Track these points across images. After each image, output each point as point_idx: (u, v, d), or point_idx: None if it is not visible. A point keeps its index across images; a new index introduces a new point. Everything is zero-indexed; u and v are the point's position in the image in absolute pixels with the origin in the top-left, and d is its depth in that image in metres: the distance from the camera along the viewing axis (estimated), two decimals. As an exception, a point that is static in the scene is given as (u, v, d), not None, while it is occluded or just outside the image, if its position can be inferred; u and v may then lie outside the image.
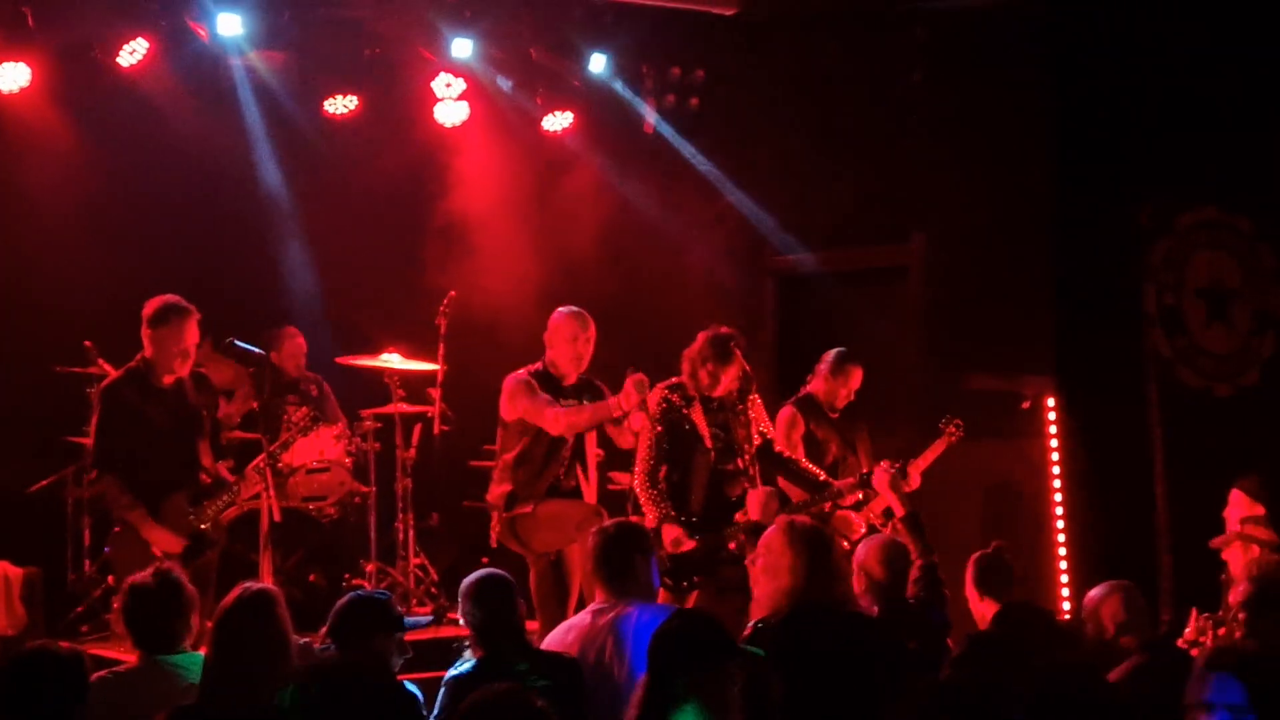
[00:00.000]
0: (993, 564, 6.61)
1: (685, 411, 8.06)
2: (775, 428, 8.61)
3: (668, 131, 10.80)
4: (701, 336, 8.11)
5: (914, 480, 8.35)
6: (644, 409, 7.88)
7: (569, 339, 8.31)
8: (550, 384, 8.32)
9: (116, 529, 7.96)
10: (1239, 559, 8.32)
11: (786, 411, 8.90)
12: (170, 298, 8.01)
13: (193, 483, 8.04)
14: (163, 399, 8.02)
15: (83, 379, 9.14)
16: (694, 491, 8.01)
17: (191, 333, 7.99)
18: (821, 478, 8.28)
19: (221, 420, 8.81)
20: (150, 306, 8.00)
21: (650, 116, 10.69)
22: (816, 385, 8.95)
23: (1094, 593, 6.24)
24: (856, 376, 8.92)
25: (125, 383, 8.02)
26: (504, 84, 10.46)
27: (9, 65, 9.21)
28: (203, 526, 7.92)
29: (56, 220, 10.00)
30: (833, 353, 8.97)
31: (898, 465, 7.84)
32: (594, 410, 8.13)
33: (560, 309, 8.46)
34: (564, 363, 8.33)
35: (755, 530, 7.44)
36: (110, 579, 8.30)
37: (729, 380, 8.05)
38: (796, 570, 5.56)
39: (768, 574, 5.64)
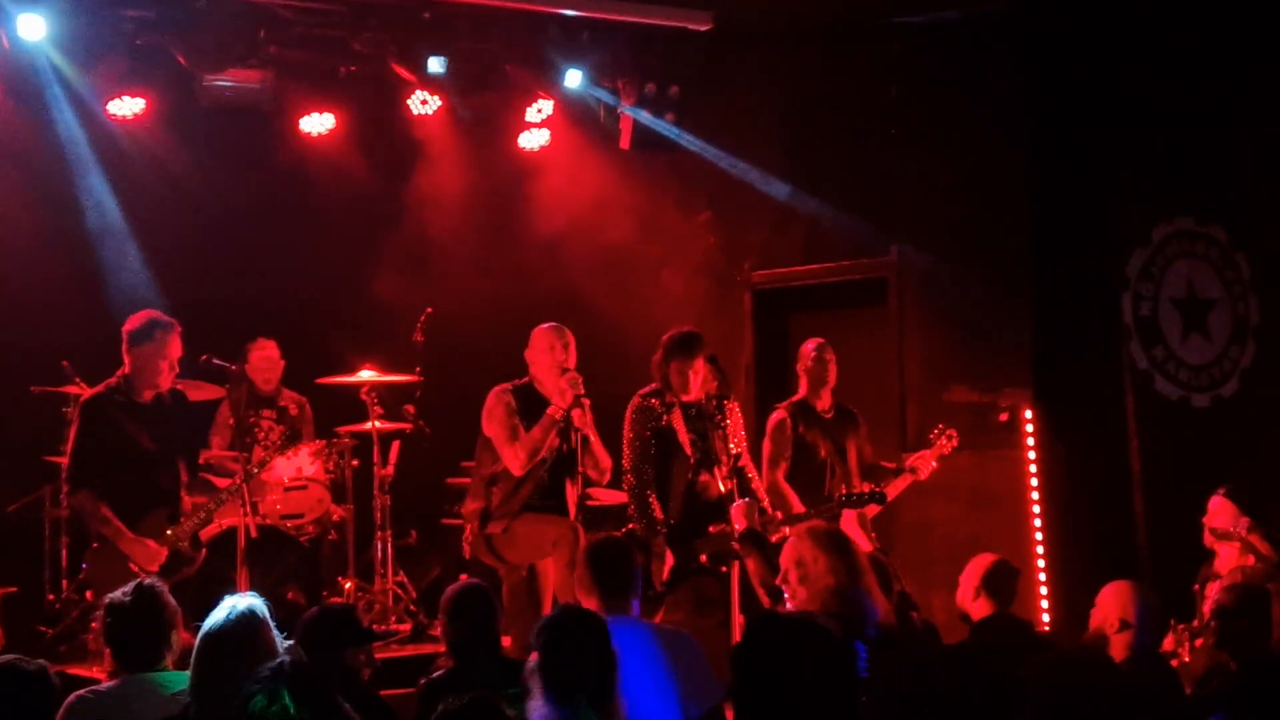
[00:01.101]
0: (1003, 570, 6.73)
1: (666, 418, 8.07)
2: (766, 431, 8.63)
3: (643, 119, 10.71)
4: (663, 339, 8.16)
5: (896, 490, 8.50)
6: (579, 406, 7.91)
7: (545, 349, 8.33)
8: (534, 400, 8.32)
9: (95, 545, 7.93)
10: (1232, 561, 8.29)
11: (777, 415, 8.91)
12: (152, 313, 8.07)
13: (171, 500, 8.02)
14: (143, 415, 8.02)
15: (59, 398, 9.11)
16: (670, 500, 8.01)
17: (175, 346, 8.02)
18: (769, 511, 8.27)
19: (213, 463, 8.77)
20: (133, 322, 8.02)
21: (625, 132, 10.68)
22: (803, 386, 8.98)
23: (1108, 588, 6.28)
24: (832, 362, 8.96)
25: (107, 397, 8.02)
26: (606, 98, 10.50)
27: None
28: (181, 544, 7.89)
29: (29, 240, 9.98)
30: (813, 343, 8.99)
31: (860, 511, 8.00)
32: (540, 426, 8.17)
33: (540, 325, 8.48)
34: (546, 377, 8.33)
35: (721, 540, 7.49)
36: (89, 595, 8.23)
37: (699, 380, 8.07)
38: (837, 570, 5.66)
39: (807, 582, 5.68)
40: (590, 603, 5.85)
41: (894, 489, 8.69)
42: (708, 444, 8.03)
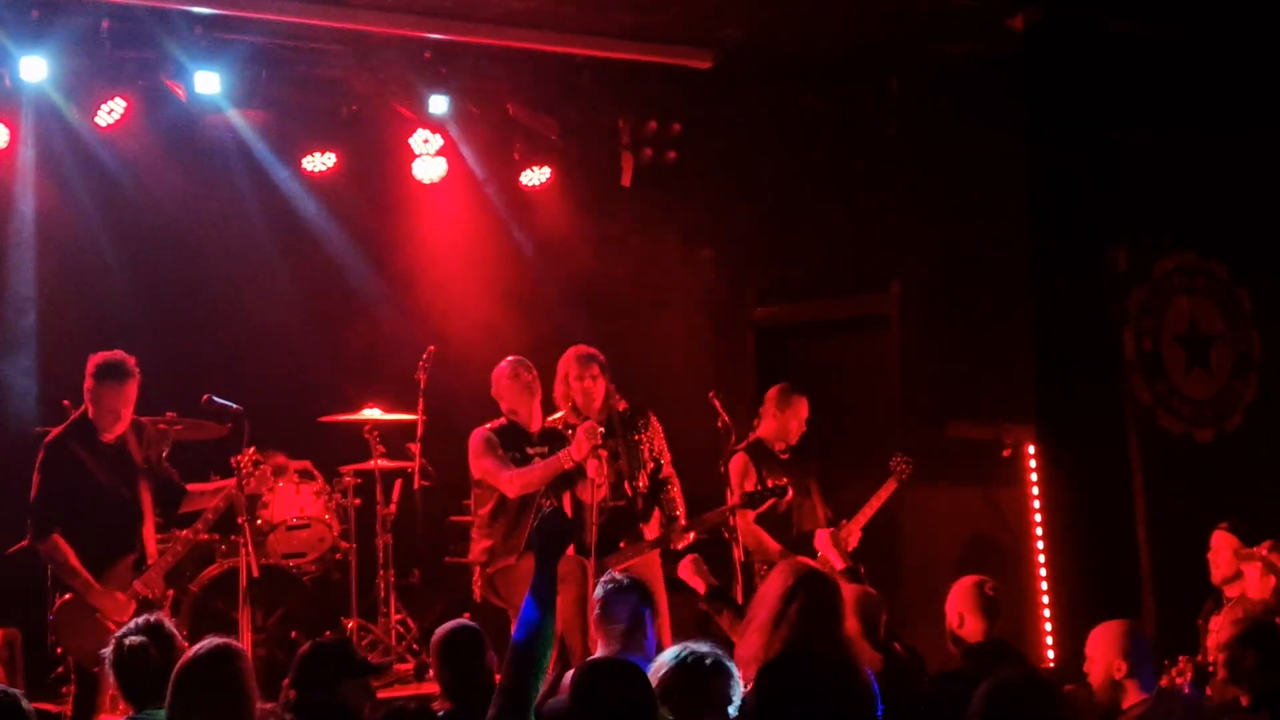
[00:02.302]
0: (992, 598, 6.74)
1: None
2: (730, 476, 8.64)
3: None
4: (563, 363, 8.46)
5: (853, 538, 8.53)
6: (597, 456, 7.91)
7: (510, 377, 8.39)
8: (517, 436, 8.34)
9: (67, 596, 7.73)
10: (1254, 582, 8.20)
11: (738, 460, 8.93)
12: (114, 354, 7.84)
13: (137, 545, 7.85)
14: (106, 455, 7.83)
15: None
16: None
17: (130, 391, 7.80)
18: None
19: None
20: (93, 361, 7.82)
21: (626, 170, 10.71)
22: (766, 426, 9.06)
23: (1098, 632, 6.24)
24: (803, 407, 9.10)
25: (69, 436, 7.83)
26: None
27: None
28: (150, 593, 7.75)
29: (34, 280, 9.99)
30: (775, 389, 9.09)
31: (833, 529, 8.26)
32: (546, 466, 8.15)
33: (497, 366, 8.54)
34: (520, 408, 8.35)
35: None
36: (59, 650, 8.02)
37: (600, 393, 8.29)
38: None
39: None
40: (600, 644, 5.82)
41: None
42: (616, 465, 8.19)
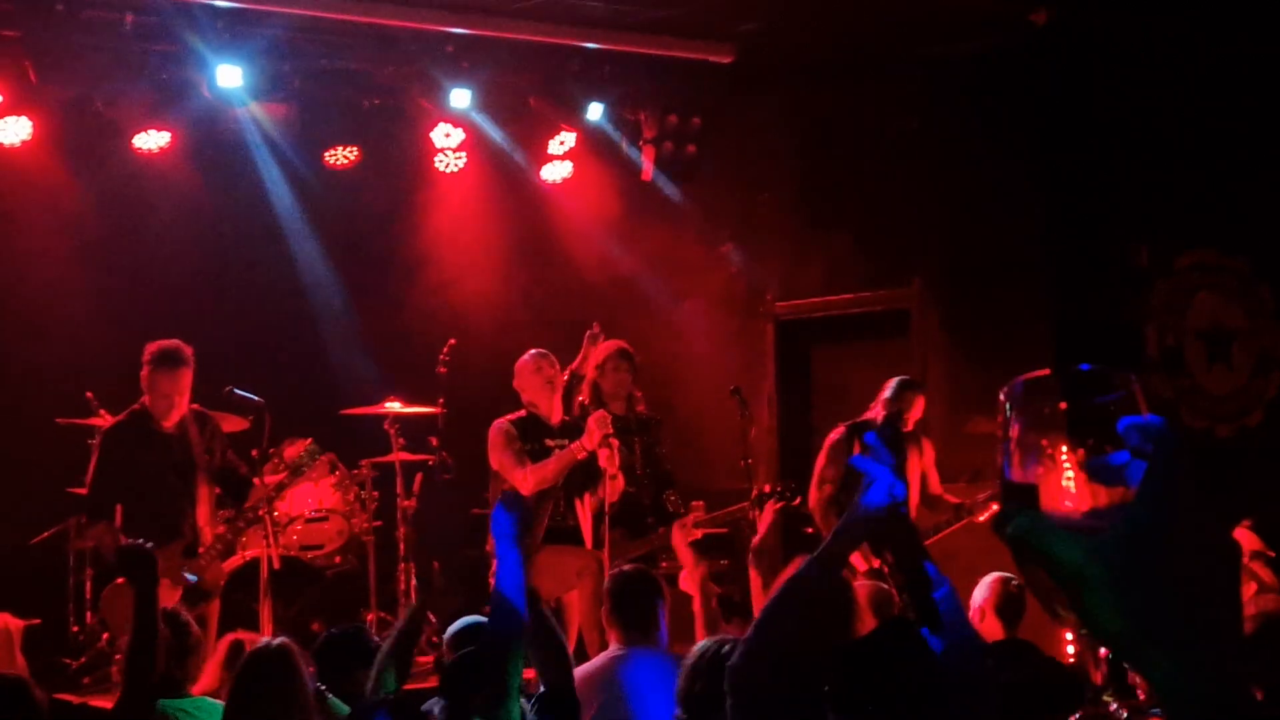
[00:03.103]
0: (1016, 597, 6.68)
1: None
2: (825, 452, 8.61)
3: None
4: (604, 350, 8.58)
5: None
6: (608, 445, 7.93)
7: (532, 371, 8.41)
8: (536, 428, 8.36)
9: (119, 580, 7.89)
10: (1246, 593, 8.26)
11: (838, 431, 8.83)
12: (168, 342, 8.00)
13: (189, 532, 7.98)
14: (163, 444, 7.97)
15: (84, 430, 9.14)
16: None
17: (184, 377, 7.96)
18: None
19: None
20: (146, 352, 7.99)
21: (647, 164, 10.72)
22: (876, 411, 8.87)
23: None
24: (918, 405, 8.81)
25: (125, 426, 8.00)
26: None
27: (11, 119, 9.27)
28: (195, 579, 7.83)
29: (58, 273, 10.04)
30: (894, 379, 8.91)
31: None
32: (559, 459, 8.17)
33: (521, 358, 8.57)
34: (541, 401, 8.37)
35: None
36: (105, 636, 8.16)
37: (626, 388, 8.49)
38: None
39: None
40: (612, 636, 5.84)
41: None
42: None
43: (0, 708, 4.80)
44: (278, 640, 5.07)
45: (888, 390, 8.82)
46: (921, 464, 8.90)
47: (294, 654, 5.03)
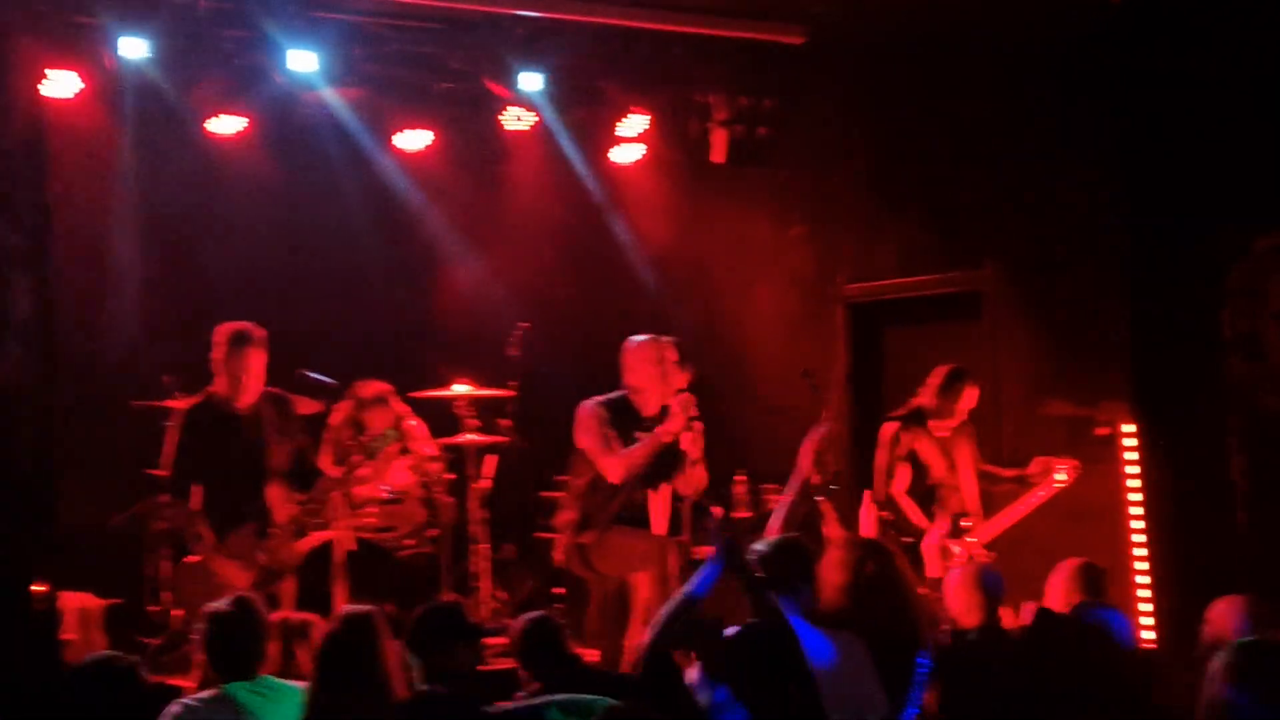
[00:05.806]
0: (1095, 573, 6.94)
1: None
2: (883, 448, 8.58)
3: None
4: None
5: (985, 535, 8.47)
6: (691, 429, 7.90)
7: (654, 359, 8.29)
8: (628, 414, 8.30)
9: (192, 558, 8.01)
10: None
11: (890, 427, 8.79)
12: (239, 324, 8.10)
13: (262, 514, 8.05)
14: (236, 426, 8.06)
15: (160, 413, 9.23)
16: None
17: (256, 358, 8.03)
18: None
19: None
20: (220, 330, 8.10)
21: (718, 146, 10.69)
22: (925, 399, 8.81)
23: (1220, 604, 6.30)
24: (969, 396, 8.76)
25: (200, 409, 8.11)
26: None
27: (86, 106, 9.36)
28: (273, 560, 7.91)
29: (132, 257, 10.15)
30: (945, 368, 8.85)
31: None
32: (645, 445, 8.12)
33: (633, 338, 8.47)
34: (649, 388, 8.29)
35: None
36: (175, 613, 8.32)
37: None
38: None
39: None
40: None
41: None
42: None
43: (111, 690, 4.88)
44: (365, 608, 5.11)
45: (939, 379, 8.76)
46: (971, 452, 8.85)
47: (380, 621, 5.08)
